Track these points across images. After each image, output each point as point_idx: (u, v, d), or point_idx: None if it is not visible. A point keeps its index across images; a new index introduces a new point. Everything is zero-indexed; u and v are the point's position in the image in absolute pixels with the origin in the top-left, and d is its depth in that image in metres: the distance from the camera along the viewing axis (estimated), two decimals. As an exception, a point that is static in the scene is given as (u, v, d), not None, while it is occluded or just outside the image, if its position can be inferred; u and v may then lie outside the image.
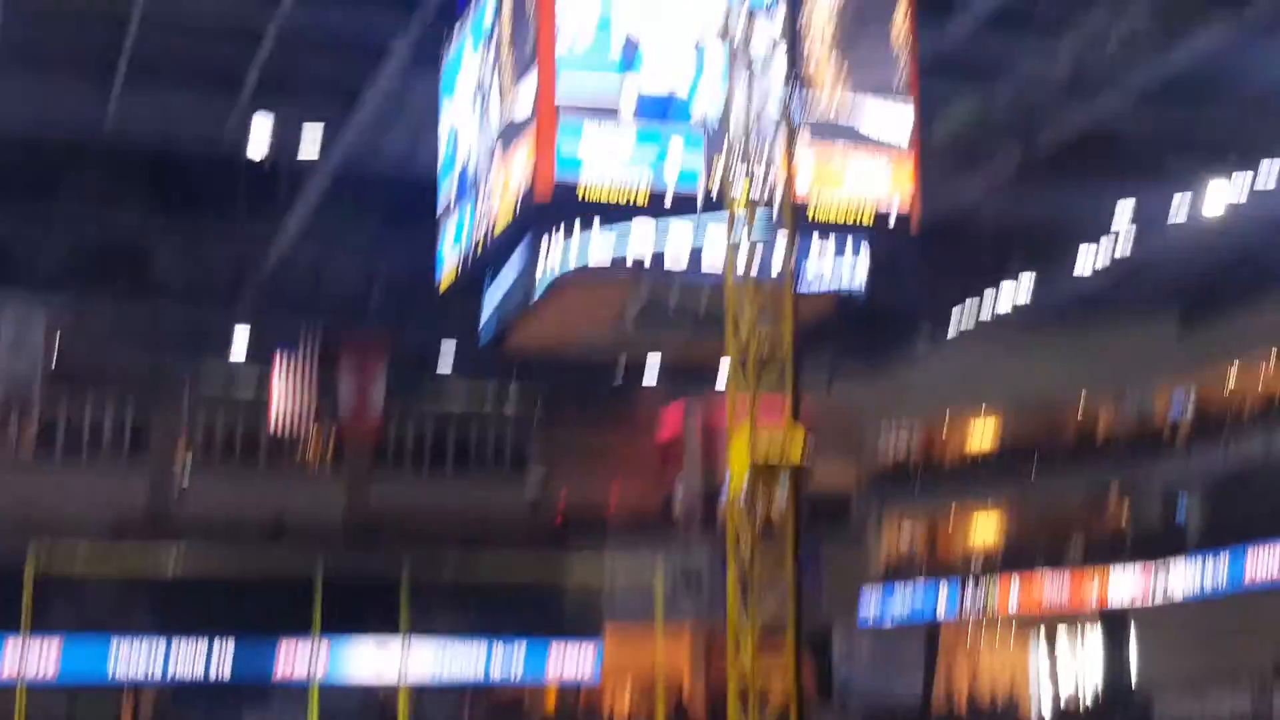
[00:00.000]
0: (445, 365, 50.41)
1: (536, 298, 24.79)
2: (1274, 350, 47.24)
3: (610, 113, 23.03)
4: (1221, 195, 35.40)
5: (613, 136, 23.02)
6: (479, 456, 61.31)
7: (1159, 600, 46.17)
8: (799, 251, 23.30)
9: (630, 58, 23.14)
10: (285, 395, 44.57)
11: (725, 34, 19.75)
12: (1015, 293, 42.76)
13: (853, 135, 23.82)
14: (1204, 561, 45.48)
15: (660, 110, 23.14)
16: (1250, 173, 34.72)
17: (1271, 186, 34.79)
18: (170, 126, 32.61)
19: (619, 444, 61.91)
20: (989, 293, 42.98)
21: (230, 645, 43.15)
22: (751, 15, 18.29)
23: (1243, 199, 35.53)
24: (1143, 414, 52.18)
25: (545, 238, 24.12)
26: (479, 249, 25.53)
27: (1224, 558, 44.60)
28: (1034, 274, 42.05)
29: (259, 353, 46.44)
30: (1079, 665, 51.87)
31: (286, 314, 45.22)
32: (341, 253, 41.42)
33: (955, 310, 44.91)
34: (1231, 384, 49.43)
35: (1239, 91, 31.83)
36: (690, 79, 23.33)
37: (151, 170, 37.15)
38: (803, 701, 17.83)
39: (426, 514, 57.57)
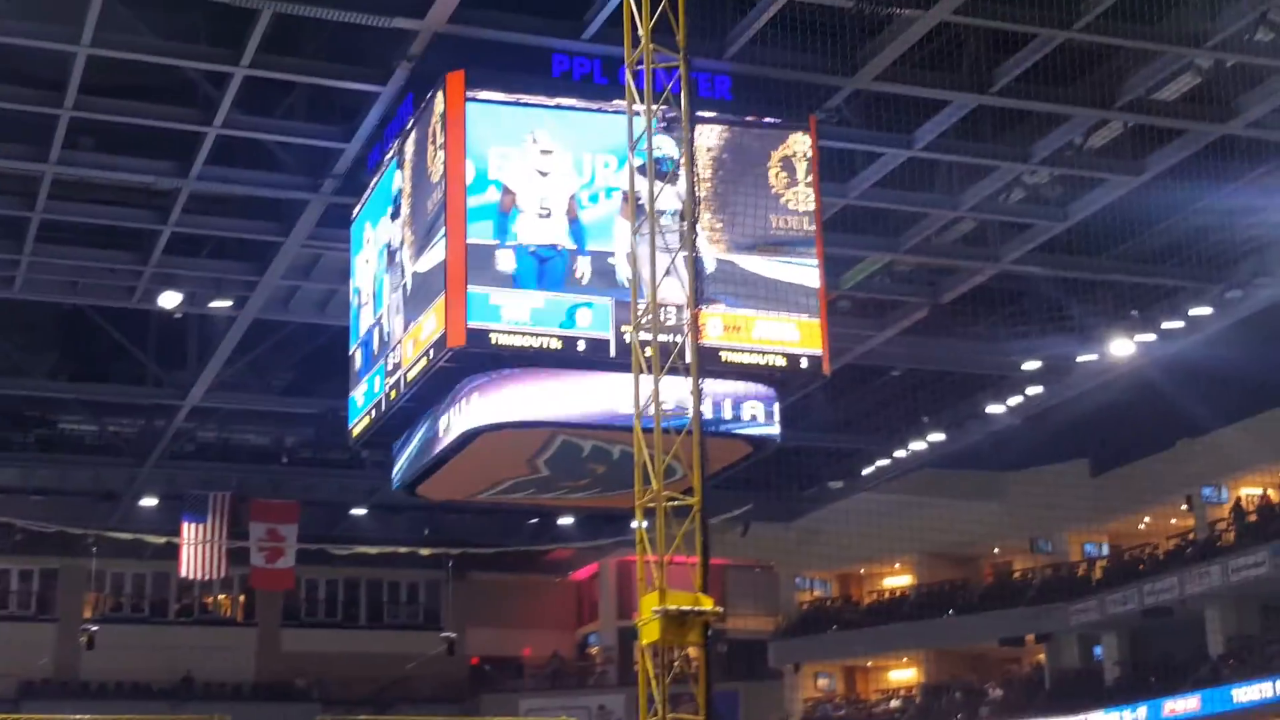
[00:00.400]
0: (359, 511, 50.10)
1: (449, 446, 24.83)
2: (1184, 496, 47.93)
3: (517, 262, 23.32)
4: (1126, 345, 36.03)
5: (524, 288, 23.27)
6: (391, 606, 60.91)
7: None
8: (711, 399, 23.60)
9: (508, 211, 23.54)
10: (195, 550, 44.07)
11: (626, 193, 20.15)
12: (926, 440, 43.18)
13: (761, 286, 24.11)
14: (1121, 715, 45.75)
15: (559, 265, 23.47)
16: (1155, 323, 35.37)
17: (1175, 336, 35.46)
18: (80, 285, 32.57)
19: (533, 590, 61.70)
20: (901, 439, 43.36)
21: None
22: (653, 173, 18.63)
23: (1148, 349, 36.18)
24: (1057, 559, 52.65)
25: (457, 385, 24.23)
26: (392, 396, 25.59)
27: (1141, 711, 44.91)
28: (945, 421, 42.52)
29: (169, 508, 45.98)
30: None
31: (197, 468, 44.87)
32: (253, 405, 41.26)
33: (868, 456, 45.23)
34: (1143, 529, 50.09)
35: (1142, 243, 32.58)
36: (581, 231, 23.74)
37: (60, 329, 37.08)
38: None
39: (339, 665, 57.02)
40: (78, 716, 43.34)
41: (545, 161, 23.61)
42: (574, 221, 23.61)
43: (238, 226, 30.54)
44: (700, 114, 22.11)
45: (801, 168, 24.73)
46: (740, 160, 24.39)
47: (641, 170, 18.28)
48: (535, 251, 23.46)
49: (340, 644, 58.95)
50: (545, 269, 23.42)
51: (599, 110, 23.81)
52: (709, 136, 24.06)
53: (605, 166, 23.81)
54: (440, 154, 23.72)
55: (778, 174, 24.50)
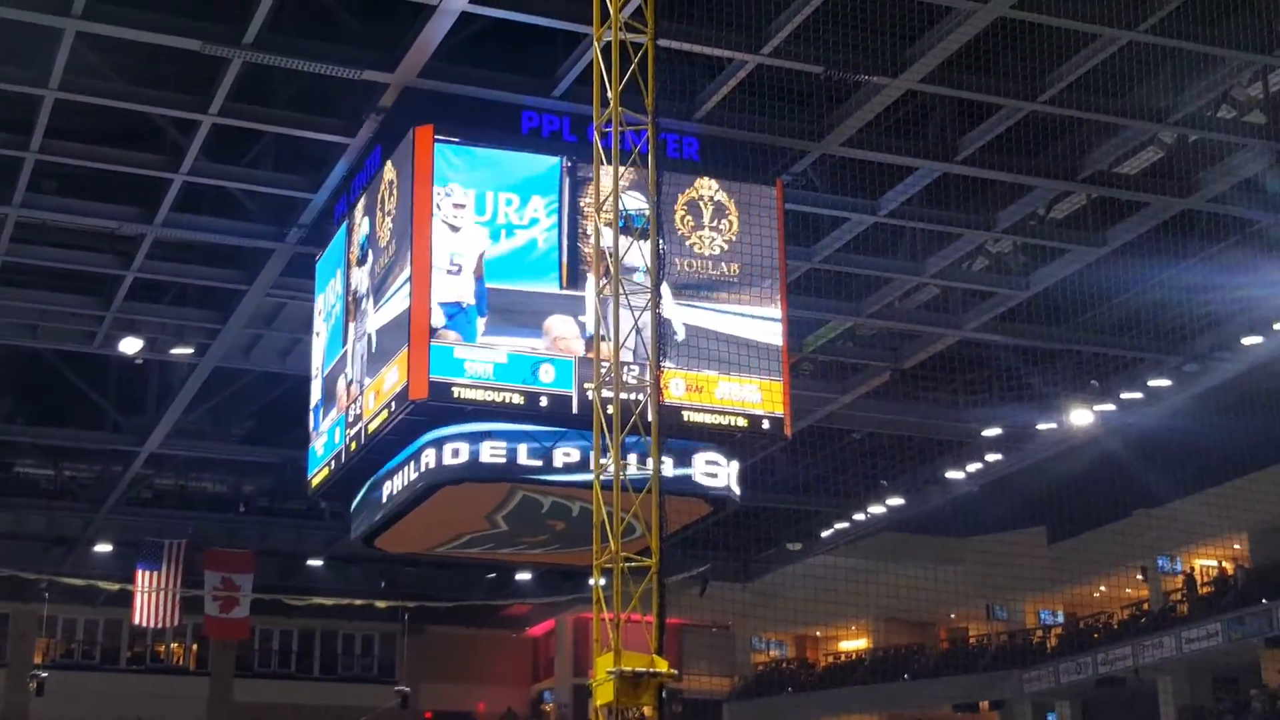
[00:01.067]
0: (315, 562, 49.86)
1: (408, 498, 24.76)
2: (1140, 566, 48.14)
3: (481, 312, 23.36)
4: (1086, 415, 36.24)
5: (485, 341, 23.30)
6: (346, 658, 60.53)
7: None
8: (672, 457, 23.62)
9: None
10: (149, 598, 43.75)
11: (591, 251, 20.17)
12: (885, 504, 43.28)
13: (724, 347, 24.17)
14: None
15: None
16: (1114, 393, 35.60)
17: (1134, 408, 35.68)
18: (40, 329, 32.44)
19: (488, 644, 61.42)
20: (860, 503, 43.44)
21: None
22: (619, 229, 18.70)
23: (1106, 419, 36.40)
24: (1013, 626, 52.74)
25: (419, 438, 24.19)
26: (353, 447, 25.52)
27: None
28: (904, 486, 42.63)
29: (124, 554, 45.68)
30: None
31: (153, 515, 44.63)
32: (212, 453, 41.08)
33: (827, 519, 45.29)
34: (1098, 598, 50.25)
35: (1103, 314, 32.83)
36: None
37: (19, 372, 36.88)
38: None
39: (291, 717, 56.56)
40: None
41: (457, 215, 23.63)
42: (479, 280, 23.57)
43: (201, 274, 30.48)
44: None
45: (708, 212, 24.76)
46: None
47: (607, 232, 18.34)
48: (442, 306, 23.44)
49: (293, 695, 58.53)
50: (451, 325, 23.38)
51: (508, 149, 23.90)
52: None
53: (508, 204, 23.82)
54: (395, 209, 23.80)
55: (684, 217, 24.55)
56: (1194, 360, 33.86)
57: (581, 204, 23.73)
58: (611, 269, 18.12)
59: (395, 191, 24.18)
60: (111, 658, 58.02)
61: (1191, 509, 43.82)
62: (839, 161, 26.40)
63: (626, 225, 18.77)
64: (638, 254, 18.57)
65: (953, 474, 41.04)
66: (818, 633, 57.92)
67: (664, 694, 17.39)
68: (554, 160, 23.86)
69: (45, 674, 48.25)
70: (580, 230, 23.66)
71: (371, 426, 24.54)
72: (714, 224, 24.67)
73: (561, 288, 23.63)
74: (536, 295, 23.51)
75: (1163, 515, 44.64)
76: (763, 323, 24.57)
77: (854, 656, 57.17)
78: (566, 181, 23.86)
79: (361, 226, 25.74)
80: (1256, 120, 26.06)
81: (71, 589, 47.93)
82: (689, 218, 24.42)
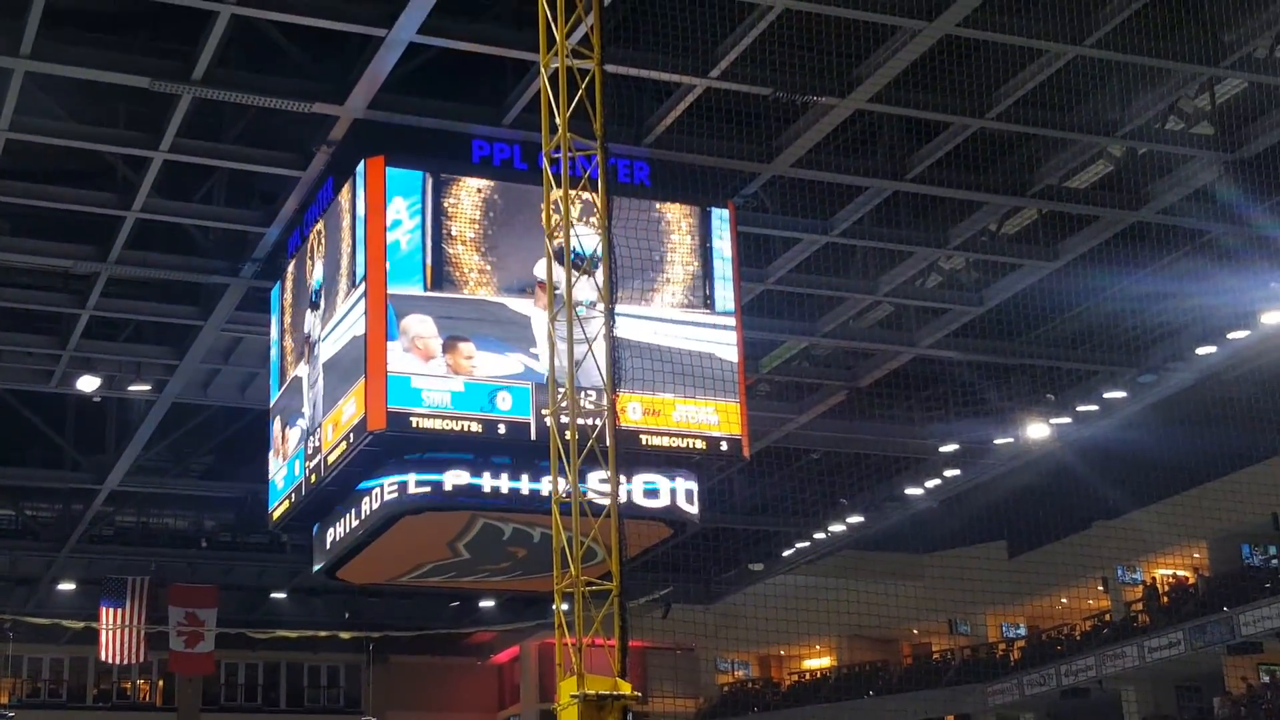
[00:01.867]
0: (279, 595, 49.72)
1: (369, 529, 24.76)
2: (1100, 577, 48.40)
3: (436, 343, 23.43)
4: (1042, 428, 36.46)
5: (442, 370, 23.36)
6: (312, 690, 60.33)
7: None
8: (631, 481, 23.70)
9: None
10: (113, 635, 43.56)
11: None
12: (845, 522, 43.43)
13: (681, 368, 24.26)
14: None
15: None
16: (1070, 406, 35.82)
17: (1090, 420, 35.92)
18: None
19: (454, 673, 61.30)
20: (820, 521, 43.58)
21: None
22: (570, 261, 18.78)
23: (1063, 432, 36.63)
24: (975, 640, 52.94)
25: (378, 468, 24.21)
26: (313, 480, 25.51)
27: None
28: (863, 503, 42.79)
29: (87, 592, 45.47)
30: None
31: (116, 552, 44.44)
32: (172, 489, 40.95)
33: (787, 538, 45.41)
34: (1060, 610, 50.49)
35: (1057, 328, 33.08)
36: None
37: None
38: None
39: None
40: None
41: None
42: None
43: (157, 310, 30.42)
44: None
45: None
46: (511, 205, 24.41)
47: (558, 257, 18.41)
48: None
49: (259, 729, 58.34)
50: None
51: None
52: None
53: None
54: (350, 240, 23.87)
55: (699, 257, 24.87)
56: (1149, 371, 34.13)
57: (445, 204, 23.75)
58: (565, 295, 18.19)
59: (343, 222, 24.24)
60: (78, 696, 57.72)
61: (1150, 519, 44.12)
62: (790, 182, 26.57)
63: (576, 254, 18.82)
64: (586, 282, 18.63)
65: (912, 490, 41.22)
66: (782, 652, 58.01)
67: (629, 716, 17.43)
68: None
69: (12, 714, 48.00)
70: (445, 232, 23.69)
71: (331, 458, 24.55)
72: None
73: (425, 289, 23.62)
74: (400, 298, 23.46)
75: (1122, 526, 44.91)
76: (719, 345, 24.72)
77: (818, 675, 57.28)
78: (429, 183, 23.86)
79: (312, 266, 25.78)
80: (1204, 131, 26.35)
81: (36, 628, 47.70)
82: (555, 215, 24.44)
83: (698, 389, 24.18)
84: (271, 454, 27.79)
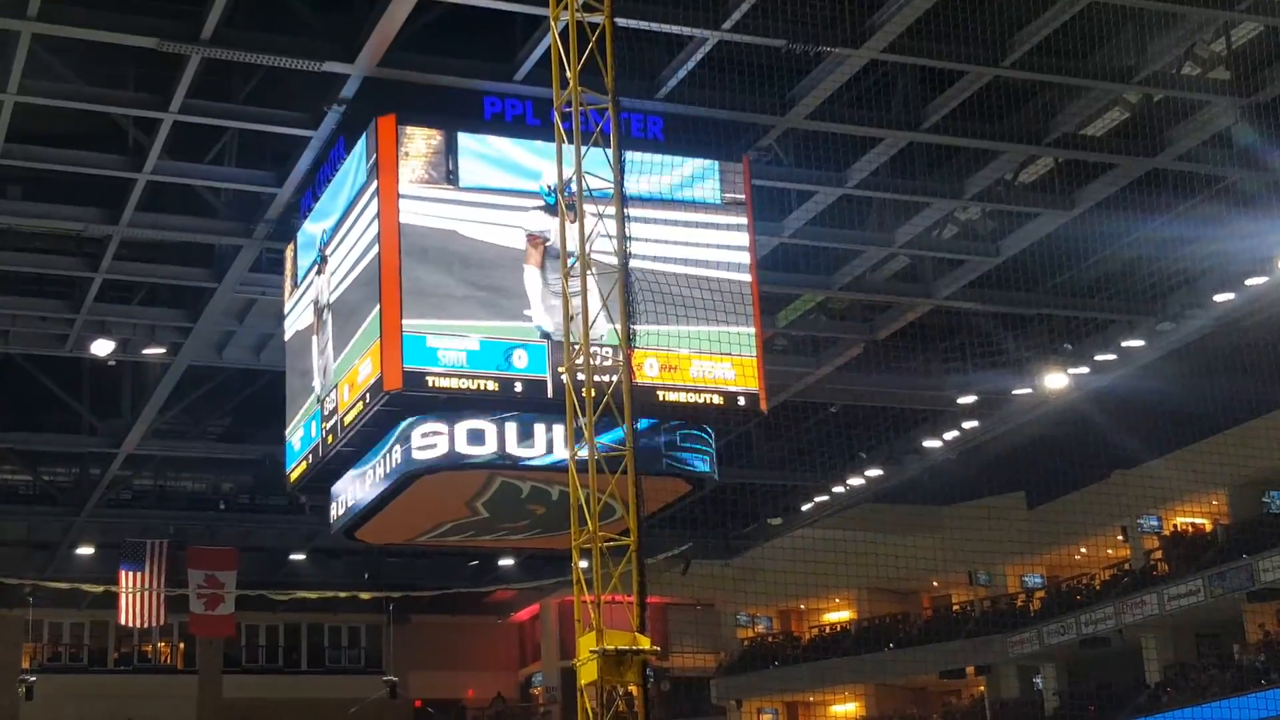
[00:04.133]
0: (298, 556, 49.81)
1: (387, 490, 24.73)
2: (1120, 526, 48.32)
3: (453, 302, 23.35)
4: (1060, 378, 36.31)
5: (459, 328, 23.27)
6: (333, 651, 60.53)
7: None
8: (650, 437, 23.62)
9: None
10: (133, 598, 43.68)
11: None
12: (864, 475, 43.36)
13: (697, 323, 24.11)
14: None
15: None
16: (1088, 356, 35.67)
17: (1108, 369, 35.76)
18: (11, 334, 32.25)
19: (475, 631, 61.48)
20: (839, 475, 43.51)
21: None
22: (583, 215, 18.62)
23: (1081, 382, 36.48)
24: (995, 591, 52.92)
25: (395, 427, 24.16)
26: (329, 441, 25.48)
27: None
28: (882, 456, 42.70)
29: (106, 556, 45.57)
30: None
31: (134, 516, 44.50)
32: (189, 452, 40.96)
33: (806, 493, 45.36)
34: (1080, 560, 50.44)
35: (1074, 277, 32.90)
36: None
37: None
38: None
39: (281, 711, 56.55)
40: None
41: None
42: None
43: (170, 273, 30.36)
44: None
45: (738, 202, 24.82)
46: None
47: (567, 210, 18.27)
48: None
49: (282, 690, 58.51)
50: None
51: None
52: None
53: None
54: (369, 200, 23.75)
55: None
56: (1167, 319, 33.94)
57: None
58: (579, 250, 18.06)
59: (358, 182, 24.12)
60: (99, 659, 57.95)
61: (1169, 468, 43.98)
62: (804, 135, 26.39)
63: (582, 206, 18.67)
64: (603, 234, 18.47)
65: (930, 443, 41.13)
66: (802, 606, 58.04)
67: (648, 671, 17.40)
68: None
69: (34, 678, 48.23)
70: None
71: (347, 419, 24.52)
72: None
73: None
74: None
75: (1141, 475, 44.76)
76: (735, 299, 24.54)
77: (839, 628, 57.30)
78: None
79: (333, 215, 25.69)
80: (1221, 76, 26.12)
81: (56, 593, 47.95)
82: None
83: (714, 344, 23.96)
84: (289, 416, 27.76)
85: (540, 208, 23.70)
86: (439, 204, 23.59)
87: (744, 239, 25.11)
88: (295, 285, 27.43)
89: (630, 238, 18.18)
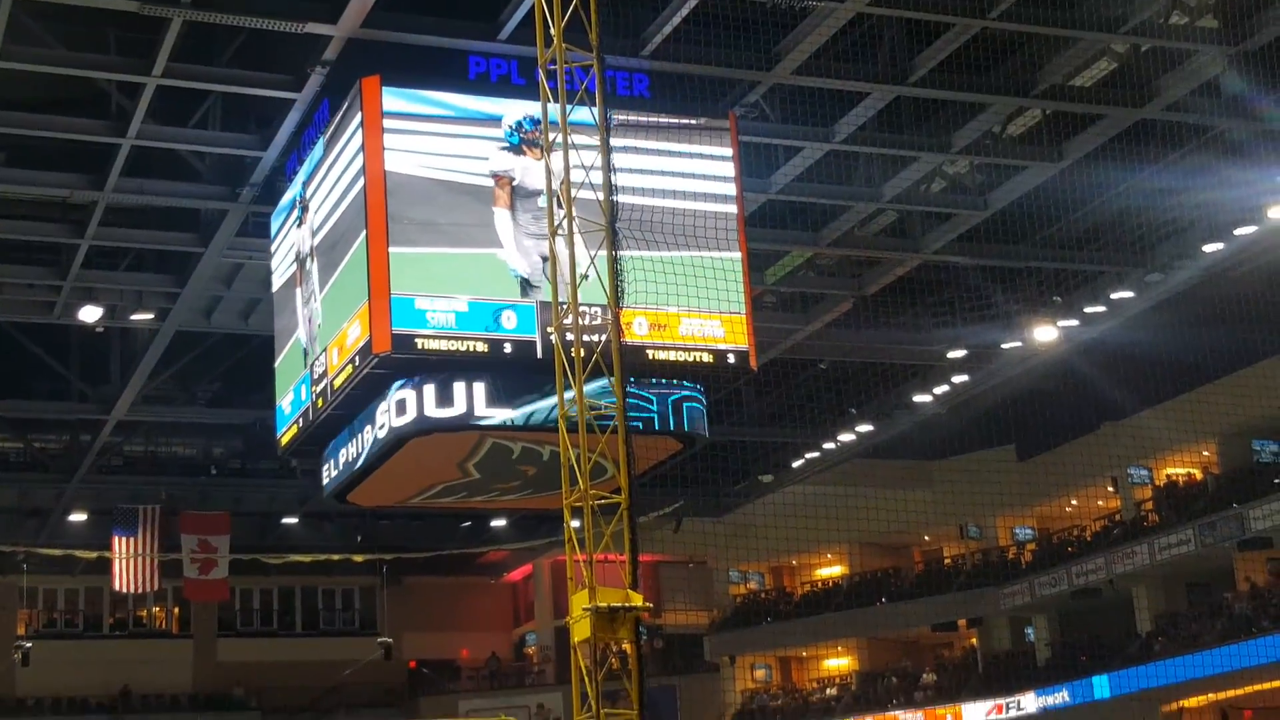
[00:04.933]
0: (290, 520, 49.85)
1: (378, 452, 24.71)
2: (1110, 478, 48.42)
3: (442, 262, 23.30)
4: (1049, 331, 36.33)
5: (448, 290, 23.22)
6: (327, 613, 60.67)
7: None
8: (640, 395, 23.59)
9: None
10: (127, 564, 43.68)
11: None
12: (855, 431, 43.42)
13: (685, 282, 24.04)
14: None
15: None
16: (1077, 308, 35.66)
17: (1097, 321, 35.77)
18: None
19: (468, 592, 61.62)
20: (829, 431, 43.57)
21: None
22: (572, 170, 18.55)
23: (1070, 334, 36.49)
24: (986, 544, 53.06)
25: (384, 390, 24.12)
26: (319, 404, 25.44)
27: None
28: (872, 412, 42.74)
29: (98, 523, 45.56)
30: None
31: (125, 482, 44.48)
32: (179, 417, 40.93)
33: (797, 449, 45.42)
34: (1070, 512, 50.57)
35: (1063, 229, 32.87)
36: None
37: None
38: None
39: (276, 674, 56.73)
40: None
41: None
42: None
43: (156, 238, 30.28)
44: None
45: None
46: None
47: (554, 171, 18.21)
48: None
49: (277, 652, 58.66)
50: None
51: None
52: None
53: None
54: (352, 161, 23.66)
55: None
56: (1156, 270, 33.93)
57: None
58: (566, 209, 18.01)
59: (341, 143, 24.02)
60: (94, 625, 58.04)
61: (1159, 419, 44.08)
62: (791, 90, 26.29)
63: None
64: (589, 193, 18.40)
65: (920, 397, 41.18)
66: (794, 562, 58.18)
67: (641, 628, 17.42)
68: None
69: (30, 644, 48.27)
70: None
71: (337, 382, 24.47)
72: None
73: None
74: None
75: (1130, 427, 44.87)
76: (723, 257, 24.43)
77: (831, 583, 57.46)
78: None
79: (305, 185, 25.61)
80: (1209, 24, 26.03)
81: (49, 559, 47.92)
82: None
83: (704, 302, 23.88)
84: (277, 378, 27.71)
85: (505, 148, 23.61)
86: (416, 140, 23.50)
87: (729, 169, 24.98)
88: (280, 237, 27.38)
89: (615, 168, 18.08)
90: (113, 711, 53.46)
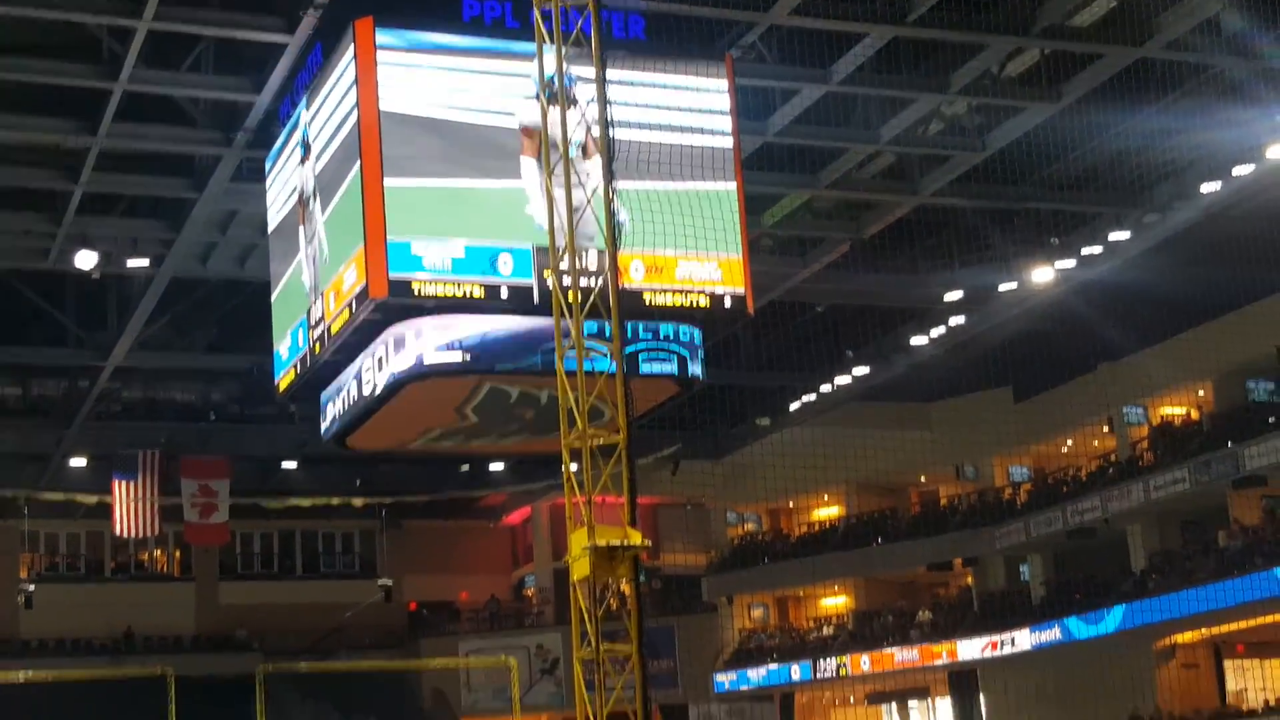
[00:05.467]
0: (290, 464, 49.96)
1: (376, 396, 24.73)
2: (1106, 418, 48.50)
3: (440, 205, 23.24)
4: (1046, 272, 36.30)
5: (444, 233, 23.18)
6: (327, 556, 60.93)
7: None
8: (636, 338, 23.62)
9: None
10: (128, 508, 43.83)
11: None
12: (851, 373, 43.45)
13: (682, 220, 23.97)
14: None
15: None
16: (1074, 249, 35.63)
17: (1094, 262, 35.75)
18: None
19: (467, 535, 61.85)
20: (826, 374, 43.60)
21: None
22: (567, 111, 18.49)
23: (1067, 275, 36.47)
24: (982, 485, 53.21)
25: (382, 335, 24.13)
26: (316, 349, 25.45)
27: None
28: (869, 354, 42.77)
29: (99, 467, 45.67)
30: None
31: (125, 427, 44.55)
32: (177, 363, 40.95)
33: (794, 392, 45.47)
34: (1066, 452, 50.65)
35: (1061, 170, 32.80)
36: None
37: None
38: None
39: (278, 616, 57.03)
40: (20, 673, 43.27)
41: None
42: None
43: (150, 184, 30.21)
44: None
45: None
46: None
47: (549, 108, 18.14)
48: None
49: (278, 595, 58.96)
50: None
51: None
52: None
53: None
54: (348, 102, 23.56)
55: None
56: (1153, 210, 33.89)
57: None
58: (562, 150, 17.97)
59: (337, 87, 23.93)
60: (96, 569, 58.28)
61: (1154, 359, 44.11)
62: (788, 31, 26.17)
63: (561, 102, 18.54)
64: (584, 134, 18.36)
65: (917, 340, 41.18)
66: (791, 503, 58.32)
67: (639, 566, 17.49)
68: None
69: (32, 587, 48.50)
70: None
71: (334, 327, 24.47)
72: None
73: None
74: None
75: (1127, 367, 44.91)
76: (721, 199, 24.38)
77: (827, 525, 57.63)
78: None
79: (305, 124, 25.50)
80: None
81: (51, 504, 48.09)
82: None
83: (701, 245, 23.83)
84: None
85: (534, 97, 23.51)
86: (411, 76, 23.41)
87: (725, 102, 24.88)
88: (276, 180, 27.30)
89: (613, 104, 18.02)
90: (116, 653, 53.74)
